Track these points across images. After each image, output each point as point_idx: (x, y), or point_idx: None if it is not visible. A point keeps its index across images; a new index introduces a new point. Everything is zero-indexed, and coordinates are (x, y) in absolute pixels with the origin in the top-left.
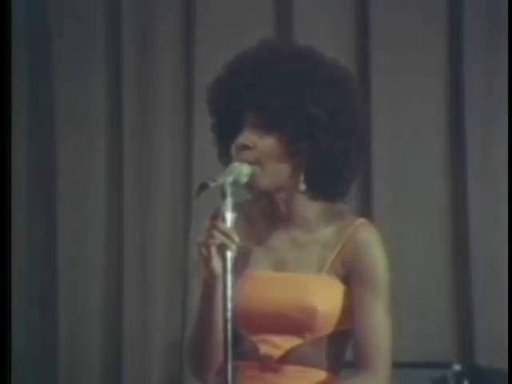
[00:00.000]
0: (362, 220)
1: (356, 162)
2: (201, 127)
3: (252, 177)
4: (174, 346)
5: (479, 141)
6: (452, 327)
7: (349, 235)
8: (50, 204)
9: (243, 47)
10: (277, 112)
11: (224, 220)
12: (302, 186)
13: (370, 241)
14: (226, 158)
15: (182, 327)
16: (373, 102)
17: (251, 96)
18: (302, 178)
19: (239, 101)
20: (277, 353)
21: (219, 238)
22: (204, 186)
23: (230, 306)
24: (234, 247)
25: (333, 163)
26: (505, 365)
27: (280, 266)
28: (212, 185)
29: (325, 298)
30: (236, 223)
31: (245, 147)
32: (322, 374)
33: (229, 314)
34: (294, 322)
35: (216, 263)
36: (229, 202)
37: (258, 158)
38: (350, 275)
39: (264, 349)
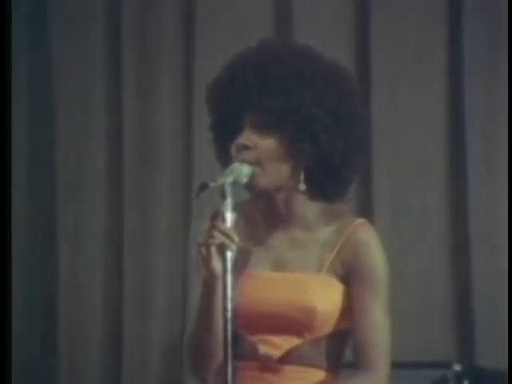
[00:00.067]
0: (361, 220)
1: (356, 162)
2: (201, 127)
3: (252, 177)
4: (174, 346)
5: (479, 141)
6: (452, 327)
7: (348, 235)
8: (50, 204)
9: (243, 47)
10: (277, 112)
11: (224, 220)
12: (303, 186)
13: (369, 240)
14: (224, 158)
15: (182, 327)
16: (373, 102)
17: (251, 96)
18: (302, 178)
19: (239, 101)
20: (276, 353)
21: (219, 238)
22: (204, 186)
23: (229, 306)
24: (233, 247)
25: (333, 163)
26: (505, 365)
27: (279, 266)
28: (212, 185)
29: (324, 297)
30: (236, 223)
31: (245, 147)
32: (321, 374)
33: (229, 314)
34: (294, 322)
35: (216, 263)
36: (229, 202)
37: (258, 158)
38: (350, 275)
39: (263, 349)
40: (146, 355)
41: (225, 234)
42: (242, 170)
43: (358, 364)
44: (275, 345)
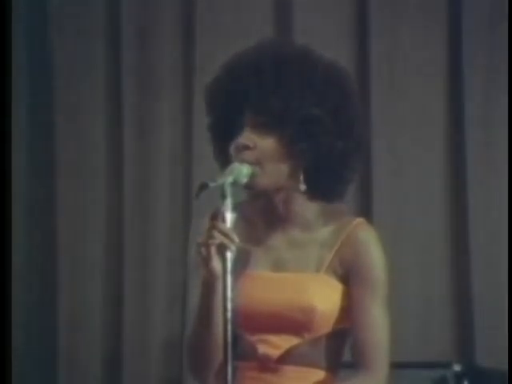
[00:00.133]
0: (360, 220)
1: (355, 162)
2: (201, 127)
3: (252, 177)
4: (174, 346)
5: (479, 141)
6: (452, 327)
7: (347, 235)
8: (49, 204)
9: (243, 47)
10: (277, 112)
11: (224, 220)
12: (302, 186)
13: (369, 240)
14: (223, 158)
15: (182, 327)
16: (372, 102)
17: (251, 96)
18: (301, 178)
19: (239, 101)
20: (275, 353)
21: (219, 238)
22: (204, 186)
23: (229, 306)
24: (233, 247)
25: (332, 163)
26: (505, 365)
27: (279, 266)
28: (212, 185)
29: (323, 297)
30: (235, 223)
31: (245, 147)
32: (320, 374)
33: (229, 315)
34: (293, 322)
35: (216, 263)
36: (229, 202)
37: (258, 159)
38: (349, 274)
39: (263, 349)
40: (145, 355)
41: (224, 234)
42: (242, 170)
43: (357, 364)
44: (274, 344)
